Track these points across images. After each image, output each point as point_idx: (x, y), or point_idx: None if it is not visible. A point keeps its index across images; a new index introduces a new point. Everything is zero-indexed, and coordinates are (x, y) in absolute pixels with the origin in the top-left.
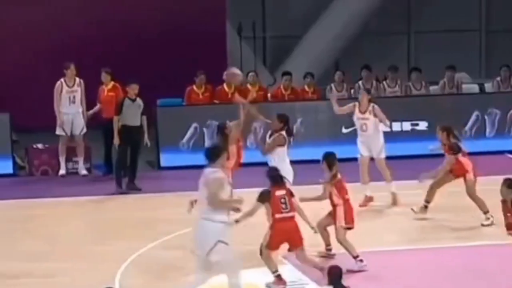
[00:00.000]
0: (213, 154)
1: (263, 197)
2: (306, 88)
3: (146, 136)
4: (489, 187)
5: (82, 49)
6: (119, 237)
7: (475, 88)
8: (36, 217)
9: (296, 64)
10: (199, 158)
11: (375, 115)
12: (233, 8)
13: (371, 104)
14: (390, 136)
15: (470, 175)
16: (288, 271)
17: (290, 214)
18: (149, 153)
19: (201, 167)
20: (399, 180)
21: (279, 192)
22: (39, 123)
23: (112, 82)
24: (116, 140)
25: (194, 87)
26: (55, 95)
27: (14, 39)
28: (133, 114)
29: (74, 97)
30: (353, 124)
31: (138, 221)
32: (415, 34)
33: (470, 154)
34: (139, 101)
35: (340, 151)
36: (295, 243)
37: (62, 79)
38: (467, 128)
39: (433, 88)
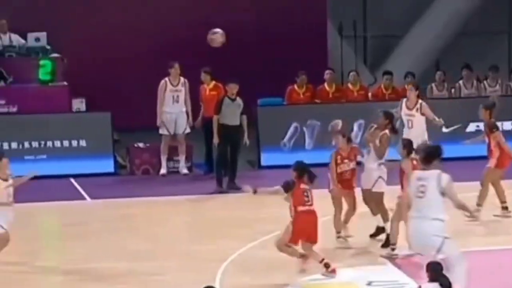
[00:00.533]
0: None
1: (288, 187)
2: (407, 87)
3: (245, 135)
4: None
5: (185, 50)
6: (219, 236)
7: None
8: (137, 216)
9: (397, 63)
10: (300, 157)
11: (422, 114)
12: (334, 8)
13: (419, 101)
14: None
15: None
16: (388, 271)
17: (312, 208)
18: (249, 153)
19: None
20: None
21: (304, 186)
22: (140, 122)
23: (213, 82)
24: (216, 139)
25: (295, 86)
26: (158, 94)
27: (117, 39)
28: (232, 114)
29: (177, 96)
30: (453, 124)
31: (238, 221)
32: None
33: None
34: (238, 100)
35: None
36: (313, 238)
37: (166, 78)
38: None
39: None
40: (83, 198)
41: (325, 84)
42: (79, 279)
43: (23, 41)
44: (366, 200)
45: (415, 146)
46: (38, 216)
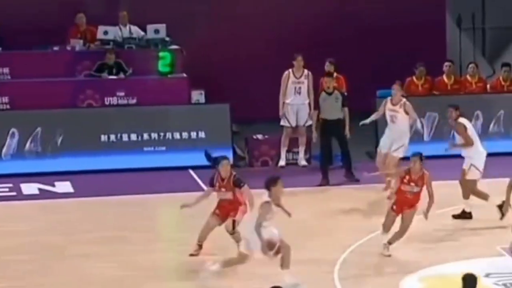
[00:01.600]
0: None
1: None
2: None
3: (347, 128)
4: None
5: (308, 40)
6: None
7: None
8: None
9: None
10: (418, 149)
11: (406, 112)
12: (453, 0)
13: (403, 100)
14: None
15: None
16: (507, 262)
17: None
18: (367, 144)
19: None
20: None
21: None
22: (259, 114)
23: (335, 73)
24: (314, 134)
25: (414, 78)
26: (282, 85)
27: (237, 31)
28: (331, 107)
29: (300, 88)
30: None
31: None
32: None
33: None
34: (336, 93)
35: None
36: None
37: (290, 70)
38: None
39: None
40: (202, 190)
41: (444, 76)
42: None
43: (142, 33)
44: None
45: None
46: (158, 207)
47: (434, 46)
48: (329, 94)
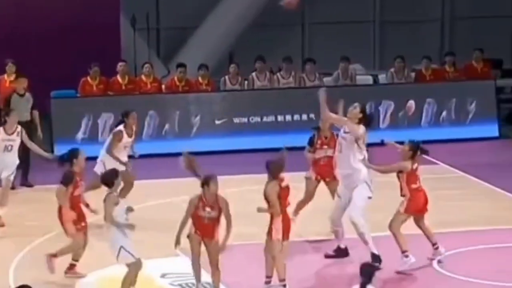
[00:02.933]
0: None
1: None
2: (200, 79)
3: (39, 130)
4: None
5: None
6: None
7: (369, 79)
8: None
9: (190, 55)
10: (93, 150)
11: None
12: (127, 0)
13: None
14: (284, 127)
15: None
16: (182, 262)
17: None
18: (43, 145)
19: (93, 158)
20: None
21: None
22: None
23: (14, 74)
24: None
25: (88, 78)
26: None
27: None
28: (22, 109)
29: None
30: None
31: None
32: (309, 25)
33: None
34: (28, 95)
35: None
36: None
37: None
38: None
39: (327, 80)
40: None
41: (118, 76)
42: None
43: None
44: None
45: None
46: None
47: (109, 46)
48: (21, 96)
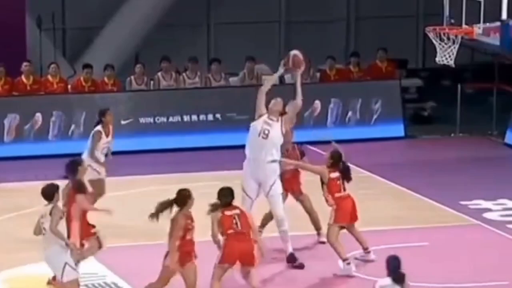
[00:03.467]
0: None
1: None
2: (106, 80)
3: None
4: None
5: None
6: None
7: None
8: None
9: (96, 56)
10: None
11: None
12: (33, 1)
13: None
14: (190, 127)
15: None
16: (88, 263)
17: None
18: None
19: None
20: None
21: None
22: None
23: None
24: None
25: None
26: None
27: None
28: None
29: None
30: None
31: None
32: (215, 25)
33: None
34: None
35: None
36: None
37: None
38: None
39: (233, 80)
40: None
41: (23, 76)
42: None
43: None
44: None
45: None
46: None
47: (14, 47)
48: None
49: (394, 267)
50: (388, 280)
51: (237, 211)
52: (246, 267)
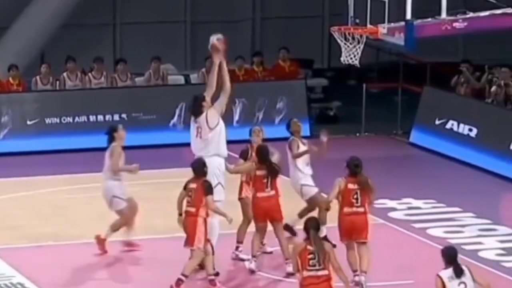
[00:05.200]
0: None
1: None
2: (11, 80)
3: None
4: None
5: None
6: None
7: (181, 79)
8: None
9: (1, 56)
10: None
11: None
12: None
13: None
14: (97, 127)
15: None
16: None
17: None
18: None
19: None
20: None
21: None
22: None
23: None
24: None
25: None
26: None
27: None
28: None
29: None
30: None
31: None
32: (121, 25)
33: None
34: None
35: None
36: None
37: None
38: (175, 120)
39: (139, 80)
40: None
41: None
42: None
43: None
44: None
45: None
46: None
47: None
48: None
49: (452, 257)
50: (450, 272)
51: None
52: None
